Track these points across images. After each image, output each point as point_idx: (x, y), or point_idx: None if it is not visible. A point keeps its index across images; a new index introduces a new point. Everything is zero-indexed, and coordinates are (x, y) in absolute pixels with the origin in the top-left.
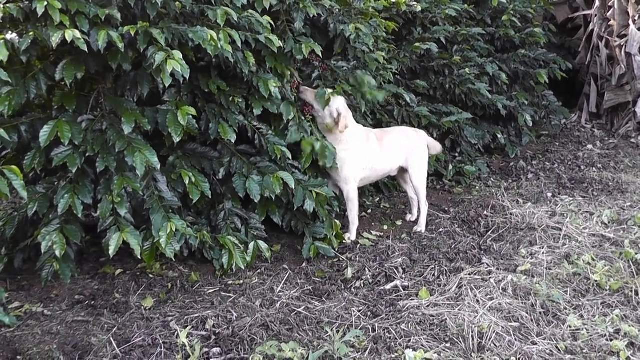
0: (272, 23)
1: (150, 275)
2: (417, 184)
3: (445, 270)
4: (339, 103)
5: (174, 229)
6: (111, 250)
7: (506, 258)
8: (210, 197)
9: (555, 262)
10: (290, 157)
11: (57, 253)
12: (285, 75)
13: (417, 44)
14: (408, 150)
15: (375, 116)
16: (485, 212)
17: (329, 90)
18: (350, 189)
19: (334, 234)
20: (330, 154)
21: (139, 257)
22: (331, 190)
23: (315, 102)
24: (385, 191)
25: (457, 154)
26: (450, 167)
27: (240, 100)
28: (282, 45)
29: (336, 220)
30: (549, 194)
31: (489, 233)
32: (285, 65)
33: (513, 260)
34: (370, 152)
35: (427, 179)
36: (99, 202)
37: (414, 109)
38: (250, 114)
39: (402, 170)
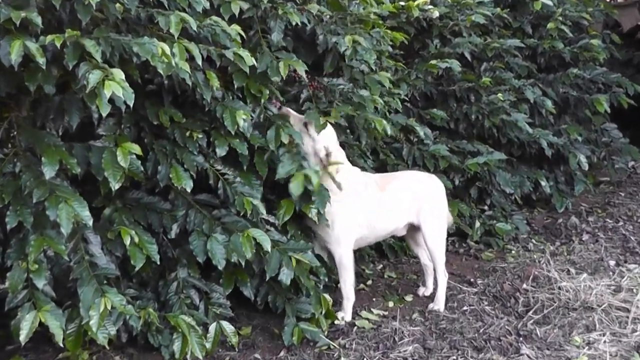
0: (243, 34)
1: None
2: (433, 246)
3: None
4: (328, 135)
5: (109, 307)
6: (23, 336)
7: (554, 348)
8: (158, 262)
9: (622, 354)
10: (264, 212)
11: None
12: (263, 95)
13: (433, 62)
14: (420, 201)
15: (378, 156)
16: (524, 286)
17: (322, 117)
18: (343, 253)
19: (323, 312)
20: (322, 196)
21: (61, 344)
22: (314, 258)
23: (299, 132)
24: (391, 255)
25: (486, 207)
26: (477, 224)
27: (201, 135)
28: (255, 63)
29: (325, 295)
30: (612, 262)
31: (529, 313)
32: (262, 84)
33: (563, 351)
34: (368, 204)
35: (447, 239)
36: (8, 269)
37: (428, 147)
38: (213, 154)
39: (413, 229)
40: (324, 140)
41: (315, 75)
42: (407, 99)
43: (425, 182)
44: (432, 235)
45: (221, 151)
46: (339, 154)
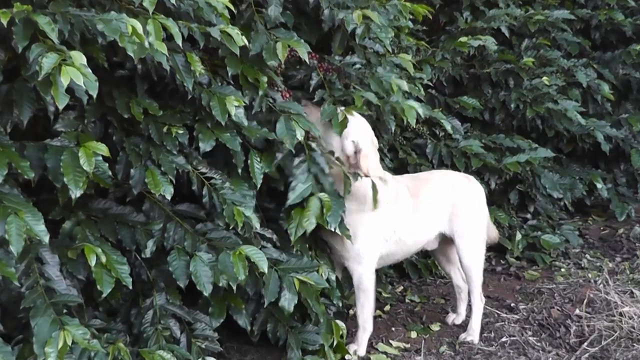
0: (232, 8)
1: None
2: (469, 263)
3: None
4: (358, 128)
5: (69, 342)
6: None
7: None
8: (130, 287)
9: None
10: (258, 225)
11: None
12: (261, 84)
13: (463, 39)
14: (455, 207)
15: (397, 154)
16: (577, 311)
17: (341, 108)
18: (364, 272)
19: (334, 343)
20: (336, 209)
21: None
22: (321, 279)
23: (319, 129)
24: (413, 275)
25: (529, 216)
26: (519, 236)
27: (181, 131)
28: (247, 44)
29: (338, 321)
30: None
31: (584, 346)
32: (259, 69)
33: None
34: (400, 214)
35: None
36: None
37: (458, 143)
38: (197, 154)
39: (445, 241)
40: (353, 134)
41: (323, 52)
42: (431, 84)
43: (462, 184)
44: (468, 250)
45: (205, 146)
46: (371, 151)
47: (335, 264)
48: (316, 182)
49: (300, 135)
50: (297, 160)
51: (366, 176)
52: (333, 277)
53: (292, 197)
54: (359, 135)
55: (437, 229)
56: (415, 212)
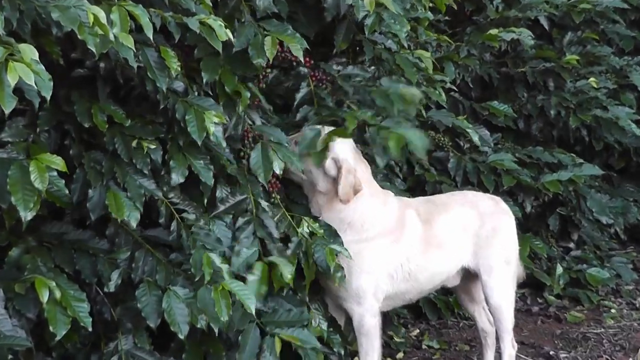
0: None
1: None
2: (497, 301)
3: None
4: (341, 148)
5: None
6: None
7: None
8: (90, 328)
9: None
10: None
11: None
12: (242, 99)
13: (493, 31)
14: (479, 237)
15: (412, 170)
16: None
17: (326, 128)
18: (365, 314)
19: None
20: (322, 247)
21: None
22: (312, 336)
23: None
24: (432, 315)
25: (572, 245)
26: (560, 270)
27: (153, 146)
28: (231, 38)
29: None
30: None
31: None
32: (241, 82)
33: None
34: (407, 245)
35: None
36: None
37: (486, 157)
38: (169, 178)
39: (467, 276)
40: (332, 151)
41: (319, 57)
42: (454, 87)
43: (489, 208)
44: (496, 287)
45: (177, 176)
46: (359, 169)
47: (333, 306)
48: (263, 247)
49: (278, 168)
50: (240, 221)
51: (343, 201)
52: (325, 327)
53: (236, 264)
54: (339, 150)
55: (458, 262)
56: (427, 242)
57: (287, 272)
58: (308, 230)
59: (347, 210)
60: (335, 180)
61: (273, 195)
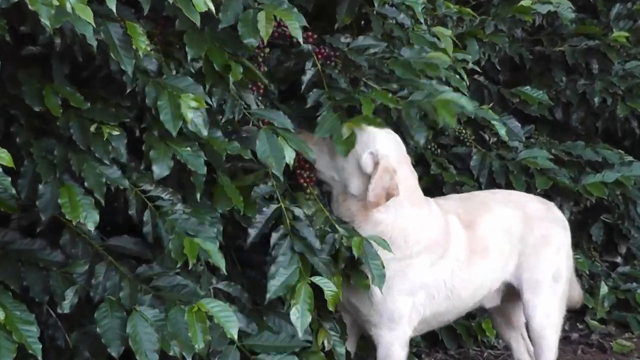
0: None
1: None
2: (541, 325)
3: None
4: (383, 142)
5: None
6: None
7: None
8: (40, 356)
9: None
10: (223, 266)
11: None
12: (233, 73)
13: (525, 2)
14: (526, 245)
15: (427, 168)
16: None
17: (346, 122)
18: (395, 344)
19: None
20: (375, 262)
21: None
22: None
23: (321, 152)
24: (450, 344)
25: (619, 260)
26: (604, 289)
27: (116, 132)
28: (212, 9)
29: None
30: None
31: None
32: (233, 54)
33: None
34: (453, 258)
35: None
36: None
37: (516, 154)
38: (137, 163)
39: (508, 295)
40: (372, 144)
41: (318, 32)
42: (477, 69)
43: (539, 213)
44: (541, 307)
45: (161, 170)
46: (402, 172)
47: (350, 328)
48: (303, 263)
49: (289, 158)
50: (274, 237)
51: (371, 204)
52: (343, 351)
53: (273, 289)
54: (381, 144)
55: (502, 274)
56: (471, 251)
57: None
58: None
59: (386, 223)
60: (368, 185)
61: (308, 190)
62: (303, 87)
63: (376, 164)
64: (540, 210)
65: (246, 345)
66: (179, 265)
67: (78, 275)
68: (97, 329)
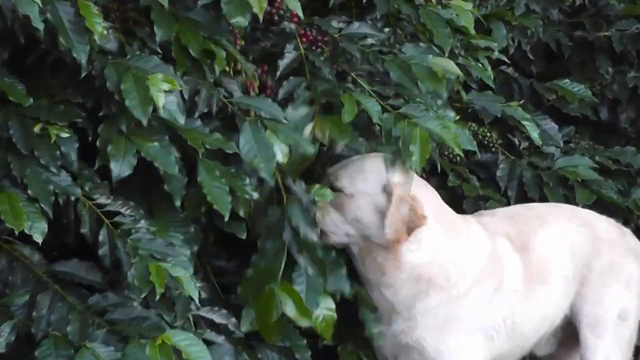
0: None
1: None
2: None
3: None
4: (383, 169)
5: None
6: None
7: None
8: None
9: None
10: (196, 297)
11: None
12: (217, 60)
13: None
14: (589, 269)
15: (443, 179)
16: None
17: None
18: None
19: None
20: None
21: None
22: None
23: (325, 212)
24: None
25: None
26: None
27: (66, 134)
28: None
29: None
30: None
31: None
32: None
33: None
34: (511, 290)
35: None
36: None
37: (552, 162)
38: (89, 172)
39: (569, 333)
40: (381, 177)
41: (310, 12)
42: (505, 59)
43: (609, 235)
44: (603, 350)
45: (121, 168)
46: (421, 195)
47: None
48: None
49: (281, 155)
50: (269, 211)
51: (391, 242)
52: None
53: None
54: (390, 171)
55: (566, 303)
56: (528, 279)
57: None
58: None
59: (422, 264)
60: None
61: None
62: (278, 73)
63: (389, 195)
64: (613, 233)
65: None
66: (143, 296)
67: (16, 307)
68: None
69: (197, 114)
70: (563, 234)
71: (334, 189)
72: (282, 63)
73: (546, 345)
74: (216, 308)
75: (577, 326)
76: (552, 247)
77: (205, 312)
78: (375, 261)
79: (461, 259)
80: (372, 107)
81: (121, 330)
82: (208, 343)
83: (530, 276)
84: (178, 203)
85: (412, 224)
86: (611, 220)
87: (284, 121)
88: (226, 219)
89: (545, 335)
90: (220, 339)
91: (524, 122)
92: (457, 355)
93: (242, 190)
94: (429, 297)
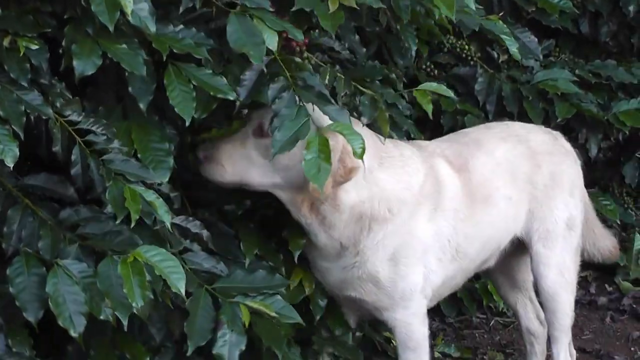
0: None
1: None
2: (554, 284)
3: None
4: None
5: None
6: None
7: None
8: None
9: None
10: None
11: None
12: None
13: None
14: (533, 185)
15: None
16: None
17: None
18: (414, 322)
19: None
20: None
21: None
22: (292, 309)
23: (249, 160)
24: (448, 310)
25: None
26: (639, 242)
27: (37, 46)
28: None
29: None
30: None
31: None
32: None
33: None
34: (451, 210)
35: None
36: None
37: (532, 75)
38: (61, 87)
39: (513, 250)
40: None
41: None
42: None
43: (545, 147)
44: (554, 262)
45: (85, 67)
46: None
47: (351, 311)
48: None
49: (272, 43)
50: (273, 89)
51: (318, 198)
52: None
53: (279, 145)
54: (318, 115)
55: (515, 226)
56: (470, 198)
57: (358, 145)
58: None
59: (362, 202)
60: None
61: (305, 55)
62: None
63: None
64: (547, 142)
65: (217, 289)
66: (118, 222)
67: None
68: (11, 289)
69: (182, 9)
70: (501, 156)
71: (263, 134)
72: None
73: (493, 259)
74: (190, 218)
75: (527, 243)
76: (491, 170)
77: (179, 221)
78: (313, 207)
79: (399, 187)
80: None
81: (94, 246)
82: (185, 251)
83: (471, 196)
84: (142, 106)
85: (339, 178)
86: (542, 128)
87: (271, 9)
88: (187, 123)
89: (493, 256)
90: (195, 248)
91: (503, 36)
92: (411, 279)
93: (220, 91)
94: (375, 232)
